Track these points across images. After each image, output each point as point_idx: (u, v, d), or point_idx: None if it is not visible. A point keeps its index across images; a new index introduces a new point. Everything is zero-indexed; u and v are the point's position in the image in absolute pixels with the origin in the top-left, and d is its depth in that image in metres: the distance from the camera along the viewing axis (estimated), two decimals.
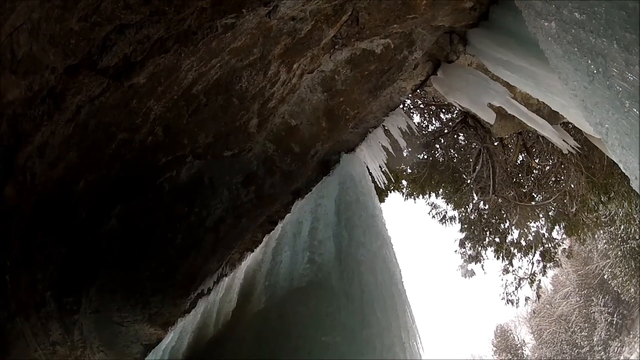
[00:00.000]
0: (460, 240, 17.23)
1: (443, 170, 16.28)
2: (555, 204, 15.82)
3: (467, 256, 17.24)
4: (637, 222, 19.59)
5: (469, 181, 16.02)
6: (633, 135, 2.31)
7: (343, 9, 5.87)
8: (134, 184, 6.49)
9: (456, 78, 7.99)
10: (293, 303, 6.00)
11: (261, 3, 5.03)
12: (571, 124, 9.43)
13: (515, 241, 16.73)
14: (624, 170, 2.58)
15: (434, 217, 17.63)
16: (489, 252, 16.88)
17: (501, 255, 16.67)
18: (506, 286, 17.69)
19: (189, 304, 8.39)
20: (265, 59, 6.02)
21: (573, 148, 9.59)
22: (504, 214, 16.40)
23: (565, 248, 18.49)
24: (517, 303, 18.04)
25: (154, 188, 6.69)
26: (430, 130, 16.58)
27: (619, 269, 32.00)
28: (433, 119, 16.60)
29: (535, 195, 16.25)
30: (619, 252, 30.52)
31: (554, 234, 16.89)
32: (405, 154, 15.06)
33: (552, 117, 9.33)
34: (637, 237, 25.71)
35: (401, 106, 9.13)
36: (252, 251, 8.72)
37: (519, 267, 17.15)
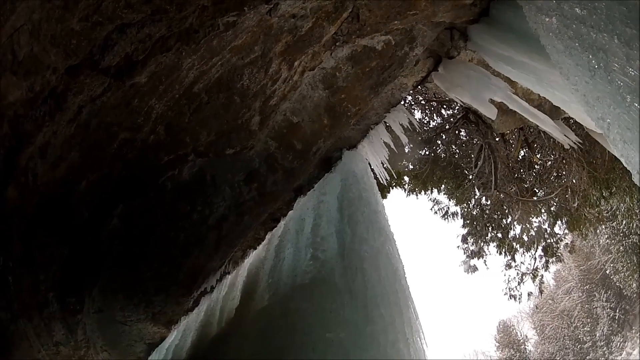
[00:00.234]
0: (463, 235, 17.26)
1: (445, 166, 16.31)
2: (557, 199, 15.83)
3: (469, 252, 17.26)
4: (639, 217, 19.59)
5: (470, 177, 16.03)
6: (634, 129, 2.31)
7: (343, 6, 5.87)
8: (136, 184, 6.50)
9: (457, 74, 7.98)
10: (296, 300, 6.01)
11: (262, 1, 5.04)
12: (572, 119, 9.42)
13: (517, 236, 16.75)
14: (625, 165, 2.58)
15: (436, 213, 17.70)
16: (492, 248, 16.91)
17: (503, 250, 16.69)
18: (509, 281, 17.73)
19: (192, 302, 8.38)
20: (267, 56, 6.02)
21: (574, 143, 9.60)
22: (506, 209, 16.42)
23: (567, 243, 18.54)
24: (519, 298, 18.07)
25: (156, 187, 6.69)
26: (431, 126, 16.60)
27: (621, 264, 31.99)
28: (434, 115, 16.63)
29: (537, 191, 16.25)
30: (621, 247, 30.51)
31: (556, 229, 16.91)
32: (407, 150, 15.07)
33: (554, 112, 9.33)
34: (639, 232, 25.65)
35: (402, 102, 9.13)
36: (255, 249, 8.73)
37: (521, 263, 17.20)
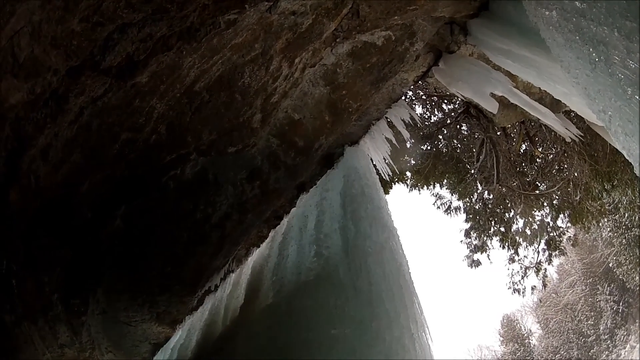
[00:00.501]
0: (466, 230, 17.26)
1: (447, 161, 16.34)
2: (559, 192, 15.84)
3: (472, 246, 17.25)
4: None
5: (472, 171, 16.05)
6: (636, 122, 2.31)
7: (343, 2, 5.87)
8: (139, 184, 6.50)
9: (458, 68, 7.99)
10: (301, 297, 6.03)
11: None
12: (573, 112, 9.42)
13: (520, 230, 16.78)
14: (627, 158, 2.59)
15: (438, 207, 17.72)
16: (495, 242, 16.93)
17: (507, 244, 16.72)
18: (512, 275, 17.74)
19: (196, 302, 8.40)
20: (267, 54, 6.02)
21: (576, 136, 9.60)
22: (508, 203, 16.43)
23: (570, 236, 18.52)
24: (523, 292, 18.08)
25: (159, 186, 6.70)
26: (432, 121, 16.61)
27: (624, 256, 32.04)
28: (435, 109, 16.64)
29: (539, 184, 16.28)
30: (624, 240, 30.50)
31: (559, 223, 16.94)
32: (408, 146, 15.09)
33: (555, 105, 9.33)
34: None
35: (403, 98, 9.14)
36: (259, 246, 8.74)
37: (524, 257, 17.23)
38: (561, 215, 16.49)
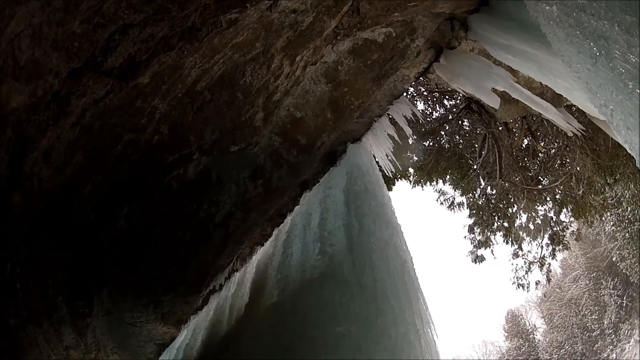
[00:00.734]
0: (469, 225, 17.25)
1: (449, 157, 16.34)
2: (561, 187, 15.84)
3: (476, 241, 17.22)
4: None
5: (475, 167, 16.05)
6: (637, 115, 2.31)
7: (343, 0, 5.88)
8: (142, 184, 6.50)
9: (459, 64, 7.99)
10: (306, 295, 6.02)
11: None
12: (575, 106, 9.44)
13: (523, 225, 16.78)
14: (629, 151, 2.58)
15: (442, 203, 17.70)
16: (498, 237, 16.91)
17: (510, 239, 16.71)
18: (516, 270, 17.71)
19: (201, 301, 8.40)
20: (268, 52, 6.03)
21: (578, 130, 9.59)
22: (511, 198, 16.43)
23: (573, 231, 18.52)
24: (527, 287, 18.05)
25: (162, 187, 6.70)
26: (434, 117, 16.62)
27: (627, 251, 31.99)
28: (437, 105, 16.67)
29: (541, 179, 16.27)
30: (627, 234, 30.48)
31: (562, 217, 16.94)
32: (410, 142, 15.08)
33: (556, 100, 9.33)
34: None
35: (405, 94, 9.15)
36: (262, 245, 8.74)
37: (528, 251, 17.21)
38: (564, 210, 16.49)
